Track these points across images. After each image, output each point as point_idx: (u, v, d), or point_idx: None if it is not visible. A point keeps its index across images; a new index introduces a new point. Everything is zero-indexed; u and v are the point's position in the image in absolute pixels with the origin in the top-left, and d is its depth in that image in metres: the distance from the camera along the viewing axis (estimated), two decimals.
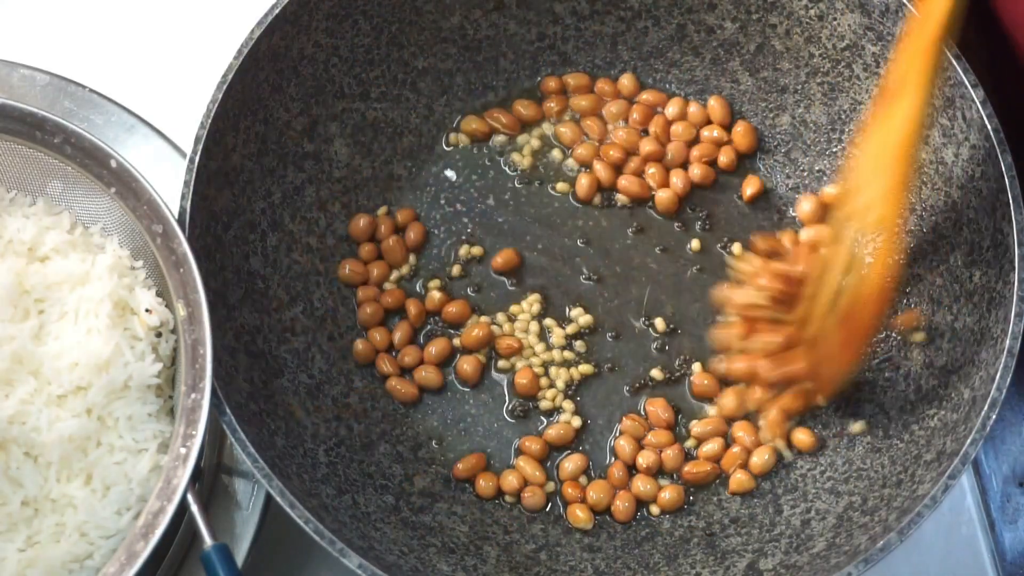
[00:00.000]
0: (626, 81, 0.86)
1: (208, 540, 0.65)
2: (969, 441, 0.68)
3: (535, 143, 0.85)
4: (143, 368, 0.70)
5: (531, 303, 0.82)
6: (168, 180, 0.77)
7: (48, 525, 0.67)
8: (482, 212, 0.84)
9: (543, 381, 0.80)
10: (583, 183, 0.84)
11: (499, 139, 0.85)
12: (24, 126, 0.71)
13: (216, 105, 0.74)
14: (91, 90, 0.84)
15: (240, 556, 0.73)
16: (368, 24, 0.81)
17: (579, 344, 0.81)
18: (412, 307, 0.81)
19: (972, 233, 0.75)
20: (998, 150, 0.72)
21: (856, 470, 0.75)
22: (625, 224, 0.83)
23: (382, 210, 0.83)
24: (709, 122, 0.85)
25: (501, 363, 0.80)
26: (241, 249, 0.77)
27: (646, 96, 0.86)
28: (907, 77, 0.70)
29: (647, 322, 0.81)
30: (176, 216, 0.70)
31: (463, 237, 0.83)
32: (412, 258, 0.83)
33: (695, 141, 0.85)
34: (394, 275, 0.82)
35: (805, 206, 0.83)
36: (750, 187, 0.84)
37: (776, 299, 0.76)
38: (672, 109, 0.85)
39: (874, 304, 0.73)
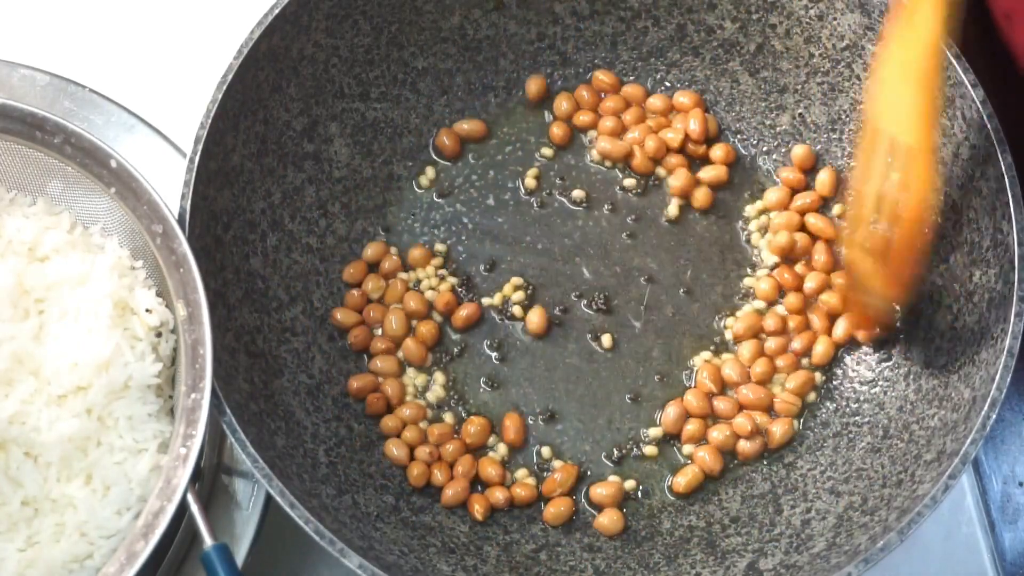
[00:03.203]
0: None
1: (208, 540, 0.65)
2: (969, 441, 0.68)
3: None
4: (143, 368, 0.70)
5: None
6: (168, 180, 0.77)
7: (48, 525, 0.67)
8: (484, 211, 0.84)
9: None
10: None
11: None
12: (24, 126, 0.71)
13: (216, 105, 0.74)
14: (91, 90, 0.84)
15: (240, 556, 0.73)
16: (368, 24, 0.81)
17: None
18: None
19: (972, 233, 0.75)
20: (998, 150, 0.72)
21: (856, 470, 0.75)
22: (622, 225, 0.84)
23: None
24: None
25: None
26: (241, 249, 0.77)
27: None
28: None
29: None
30: (176, 216, 0.70)
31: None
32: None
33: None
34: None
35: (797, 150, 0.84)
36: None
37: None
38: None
39: (913, 236, 0.69)
